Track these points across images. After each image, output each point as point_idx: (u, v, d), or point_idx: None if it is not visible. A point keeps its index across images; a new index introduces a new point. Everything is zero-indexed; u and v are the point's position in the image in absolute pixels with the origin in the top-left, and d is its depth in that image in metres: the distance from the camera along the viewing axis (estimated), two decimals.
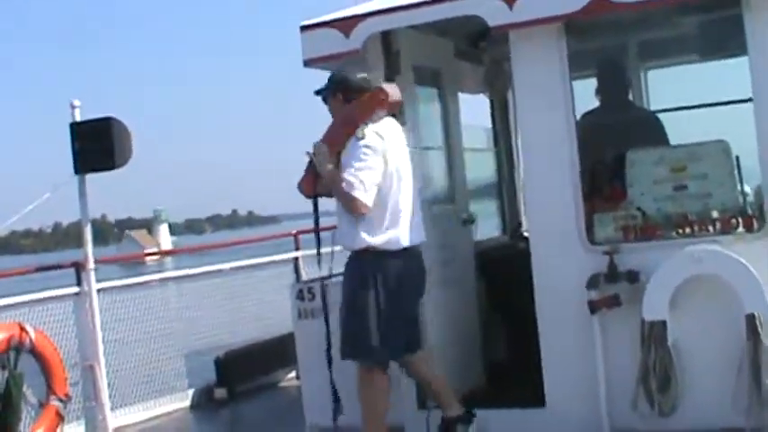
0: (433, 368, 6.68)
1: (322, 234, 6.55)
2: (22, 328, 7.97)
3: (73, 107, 8.47)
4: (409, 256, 6.30)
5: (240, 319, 10.07)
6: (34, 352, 8.06)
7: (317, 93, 6.46)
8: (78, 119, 8.46)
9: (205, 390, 9.39)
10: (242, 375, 9.44)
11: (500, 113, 9.64)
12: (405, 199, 6.28)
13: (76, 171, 8.45)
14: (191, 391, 9.35)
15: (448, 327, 7.34)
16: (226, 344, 9.67)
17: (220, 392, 9.27)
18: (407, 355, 6.45)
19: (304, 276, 9.92)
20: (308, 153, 6.28)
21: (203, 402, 9.30)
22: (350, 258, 6.36)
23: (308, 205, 6.51)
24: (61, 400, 8.19)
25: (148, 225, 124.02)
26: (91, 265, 8.56)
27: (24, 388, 8.00)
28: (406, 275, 6.28)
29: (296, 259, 10.38)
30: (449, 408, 6.57)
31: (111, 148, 8.25)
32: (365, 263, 6.24)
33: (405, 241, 6.26)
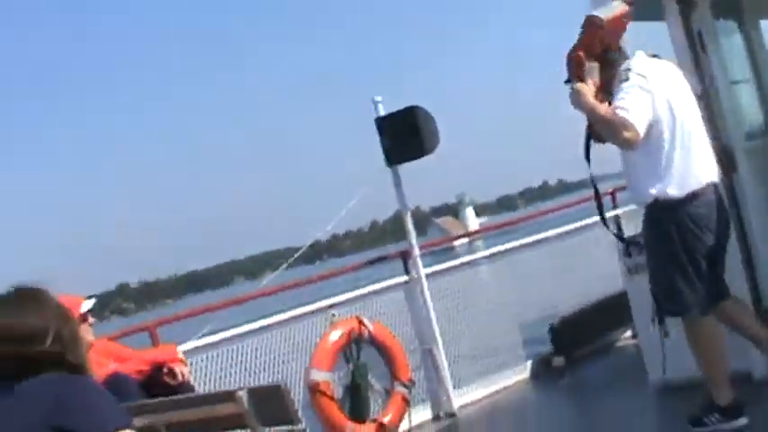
0: (751, 317, 6.27)
1: None
2: (360, 321, 8.30)
3: (375, 103, 8.66)
4: (699, 199, 5.91)
5: (568, 285, 10.02)
6: (374, 342, 8.37)
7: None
8: (382, 113, 8.65)
9: (543, 359, 9.41)
10: (578, 340, 9.40)
11: None
12: (682, 140, 5.86)
13: (389, 163, 8.64)
14: (529, 363, 9.38)
15: None
16: (557, 311, 9.67)
17: (558, 360, 9.28)
18: (719, 302, 6.10)
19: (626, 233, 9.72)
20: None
21: (542, 372, 9.31)
22: (644, 213, 6.13)
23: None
24: (405, 386, 8.43)
25: (454, 211, 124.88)
26: (416, 252, 8.80)
27: (369, 377, 8.34)
28: (698, 221, 5.89)
29: (617, 216, 10.20)
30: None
31: (420, 136, 8.40)
32: (654, 215, 5.99)
33: (689, 186, 5.87)
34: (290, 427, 4.76)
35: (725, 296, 6.17)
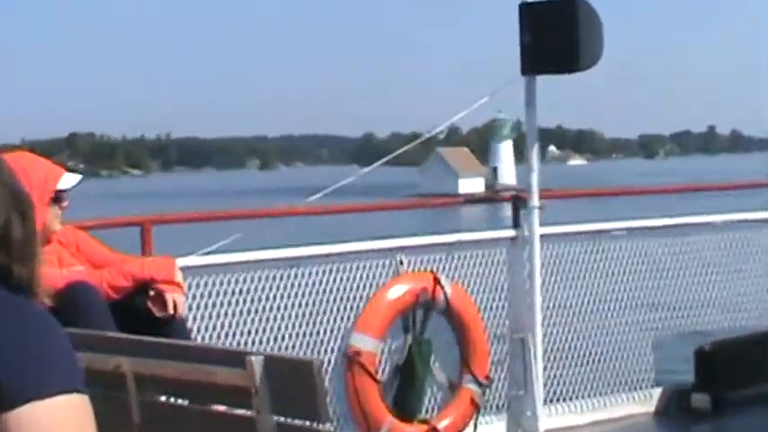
0: None
1: None
2: (437, 281, 8.05)
3: None
4: None
5: (732, 296, 9.67)
6: (449, 313, 8.17)
7: None
8: None
9: (679, 392, 9.12)
10: (734, 377, 9.05)
11: None
12: None
13: (524, 71, 8.35)
14: (657, 391, 9.11)
15: None
16: (713, 329, 9.34)
17: (701, 399, 8.93)
18: None
19: None
20: None
21: (675, 410, 9.04)
22: None
23: None
24: (479, 384, 8.24)
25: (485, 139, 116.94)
26: (535, 201, 8.45)
27: (432, 360, 8.15)
28: None
29: None
30: None
31: (576, 42, 8.03)
32: None
33: None
34: (309, 423, 4.46)
35: None
